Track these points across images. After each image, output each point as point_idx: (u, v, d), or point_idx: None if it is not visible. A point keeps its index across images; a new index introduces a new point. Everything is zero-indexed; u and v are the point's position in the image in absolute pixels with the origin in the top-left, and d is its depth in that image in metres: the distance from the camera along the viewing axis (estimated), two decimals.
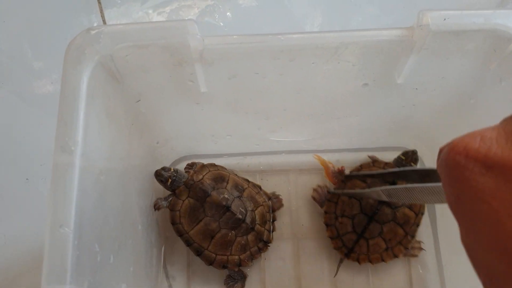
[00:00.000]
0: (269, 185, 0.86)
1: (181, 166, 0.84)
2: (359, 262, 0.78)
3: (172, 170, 0.77)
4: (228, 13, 1.02)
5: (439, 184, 0.57)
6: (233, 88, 0.66)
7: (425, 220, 0.84)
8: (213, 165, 0.82)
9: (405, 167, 0.78)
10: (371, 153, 0.85)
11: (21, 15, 1.02)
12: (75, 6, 1.02)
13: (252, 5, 1.03)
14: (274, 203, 0.83)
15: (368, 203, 0.77)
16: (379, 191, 0.68)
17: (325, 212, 0.81)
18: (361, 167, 0.83)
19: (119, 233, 0.63)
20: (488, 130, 0.32)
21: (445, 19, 0.54)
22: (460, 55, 0.60)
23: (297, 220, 0.85)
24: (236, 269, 0.79)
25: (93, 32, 0.54)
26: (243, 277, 0.80)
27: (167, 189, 0.79)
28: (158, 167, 0.84)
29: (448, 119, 0.73)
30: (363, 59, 0.60)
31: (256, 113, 0.74)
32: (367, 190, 0.73)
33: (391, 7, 1.00)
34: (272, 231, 0.81)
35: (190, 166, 0.82)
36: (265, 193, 0.83)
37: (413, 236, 0.79)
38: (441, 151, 0.35)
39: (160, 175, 0.77)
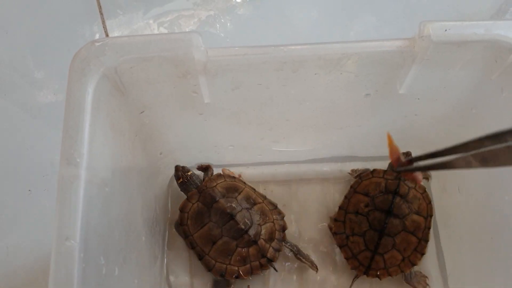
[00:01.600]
0: (271, 195, 0.86)
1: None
2: (379, 278, 0.77)
3: (189, 173, 0.80)
4: (228, 24, 1.03)
5: None
6: (236, 99, 0.66)
7: None
8: (232, 177, 0.83)
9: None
10: (361, 167, 0.85)
11: (23, 26, 1.03)
12: (77, 17, 1.03)
13: (252, 15, 1.03)
14: (286, 222, 0.81)
15: (375, 218, 0.76)
16: (469, 158, 0.46)
17: (335, 233, 0.80)
18: (361, 178, 0.83)
19: (124, 245, 0.63)
20: None
21: (446, 30, 0.55)
22: (461, 66, 0.60)
23: (299, 231, 0.85)
24: (233, 280, 0.78)
25: (97, 44, 0.55)
26: (229, 285, 0.80)
27: (178, 186, 0.81)
28: (161, 178, 0.84)
29: (450, 128, 0.73)
30: (365, 70, 0.61)
31: (259, 124, 0.74)
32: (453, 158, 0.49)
33: (391, 17, 1.01)
34: (279, 251, 0.79)
35: (204, 168, 0.84)
36: (280, 213, 0.82)
37: (426, 241, 0.78)
38: None
39: (177, 171, 0.80)
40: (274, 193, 0.88)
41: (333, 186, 0.87)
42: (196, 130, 0.75)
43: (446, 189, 0.78)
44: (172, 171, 0.83)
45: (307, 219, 0.86)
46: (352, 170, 0.86)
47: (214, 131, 0.76)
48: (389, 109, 0.71)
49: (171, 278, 0.82)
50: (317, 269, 0.80)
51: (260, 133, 0.77)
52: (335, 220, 0.81)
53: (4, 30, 1.02)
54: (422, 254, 0.78)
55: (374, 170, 0.82)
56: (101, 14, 1.04)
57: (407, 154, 0.78)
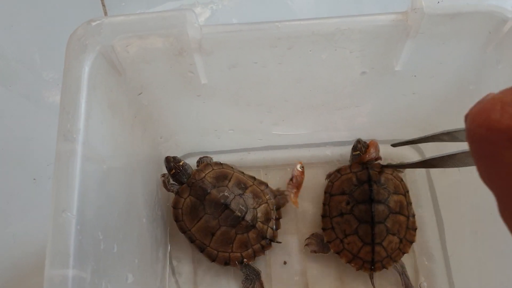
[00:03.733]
0: (273, 180, 0.87)
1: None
2: (386, 268, 0.77)
3: (181, 163, 0.79)
4: (233, 19, 1.04)
5: None
6: (233, 79, 0.67)
7: (429, 210, 0.84)
8: (218, 163, 0.83)
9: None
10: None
11: (28, 19, 1.04)
12: (82, 11, 1.04)
13: (257, 11, 1.04)
14: (279, 200, 0.83)
15: (360, 210, 0.76)
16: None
17: (329, 242, 0.79)
18: (331, 181, 0.82)
19: (124, 224, 0.63)
20: (508, 93, 0.28)
21: (438, 2, 0.55)
22: (456, 39, 0.60)
23: (301, 215, 0.85)
24: (239, 266, 0.79)
25: (94, 23, 0.56)
26: (258, 274, 0.80)
27: (170, 177, 0.80)
28: (163, 163, 0.84)
29: (449, 107, 0.73)
30: (360, 46, 0.61)
31: (258, 105, 0.74)
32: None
33: None
34: (277, 229, 0.80)
35: (203, 158, 0.84)
36: (272, 191, 0.83)
37: (413, 215, 0.79)
38: (465, 118, 0.32)
39: (168, 162, 0.79)
40: (275, 178, 0.88)
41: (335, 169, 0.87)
42: (195, 113, 0.75)
43: (445, 170, 0.78)
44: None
45: (308, 203, 0.86)
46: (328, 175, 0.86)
47: (213, 114, 0.76)
48: (387, 88, 0.70)
49: (174, 262, 0.83)
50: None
51: (259, 116, 0.78)
52: (323, 229, 0.80)
53: (9, 23, 1.04)
54: (415, 229, 0.78)
55: (340, 168, 0.83)
56: (105, 14, 1.05)
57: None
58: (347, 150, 0.86)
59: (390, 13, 0.57)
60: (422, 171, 0.87)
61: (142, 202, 0.72)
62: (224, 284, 0.82)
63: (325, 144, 0.87)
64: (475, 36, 0.59)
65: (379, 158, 0.81)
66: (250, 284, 0.80)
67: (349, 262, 0.77)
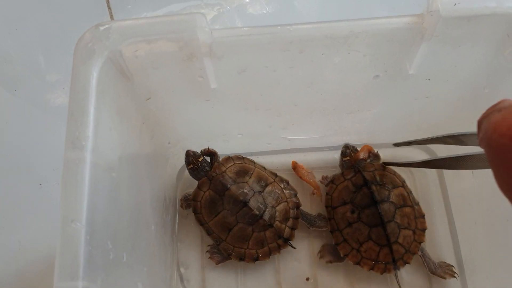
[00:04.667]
0: None
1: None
2: (408, 263, 0.75)
3: (201, 159, 0.79)
4: (238, 22, 1.02)
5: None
6: (243, 83, 0.65)
7: (441, 215, 0.82)
8: (240, 157, 0.82)
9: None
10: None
11: (33, 23, 1.03)
12: (87, 14, 1.03)
13: (263, 13, 1.03)
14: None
15: (368, 215, 0.75)
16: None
17: (346, 255, 0.77)
18: (328, 193, 0.81)
19: (133, 232, 0.62)
20: None
21: (455, 4, 0.53)
22: (472, 42, 0.59)
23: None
24: (253, 263, 0.78)
25: (102, 27, 0.55)
26: (227, 256, 0.79)
27: (188, 172, 0.81)
28: (170, 168, 0.84)
29: (463, 111, 0.71)
30: (373, 49, 0.59)
31: (267, 110, 0.73)
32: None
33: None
34: (295, 229, 0.79)
35: (210, 154, 0.82)
36: (292, 188, 0.82)
37: (417, 204, 0.78)
38: (479, 124, 0.32)
39: (188, 156, 0.79)
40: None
41: None
42: (204, 118, 0.74)
43: (459, 173, 0.76)
44: (181, 162, 0.82)
45: (318, 209, 0.84)
46: (323, 177, 0.85)
47: (222, 119, 0.75)
48: (399, 92, 0.69)
49: (182, 269, 0.82)
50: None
51: (268, 120, 0.76)
52: (336, 244, 0.78)
53: (13, 27, 1.03)
54: (423, 216, 0.78)
55: (333, 178, 0.81)
56: (111, 17, 1.04)
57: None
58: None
59: (405, 15, 0.56)
60: (434, 177, 0.85)
61: (150, 209, 0.71)
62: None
63: (334, 148, 0.86)
64: (491, 39, 0.58)
65: (368, 158, 0.81)
66: (215, 251, 0.80)
67: (371, 269, 0.76)
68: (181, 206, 0.83)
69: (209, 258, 0.80)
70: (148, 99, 0.66)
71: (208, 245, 0.81)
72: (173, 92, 0.67)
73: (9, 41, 1.02)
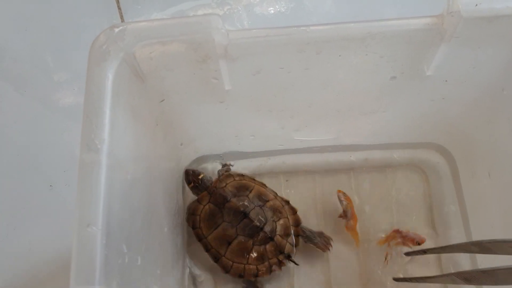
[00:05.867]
0: (294, 187, 0.85)
1: (203, 166, 0.84)
2: (297, 245, 0.77)
3: (201, 176, 0.78)
4: (246, 22, 1.02)
5: None
6: (257, 85, 0.65)
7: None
8: (240, 175, 0.82)
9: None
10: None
11: (42, 23, 1.03)
12: (97, 13, 1.03)
13: (272, 12, 1.02)
14: (319, 243, 0.79)
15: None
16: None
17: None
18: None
19: (146, 234, 0.62)
20: None
21: (477, 5, 0.52)
22: (492, 43, 0.58)
23: (324, 223, 0.83)
24: (253, 279, 0.77)
25: (116, 29, 0.54)
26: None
27: (190, 189, 0.80)
28: (182, 170, 0.83)
29: (481, 113, 0.71)
30: (391, 50, 0.59)
31: (281, 111, 0.72)
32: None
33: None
34: (296, 246, 0.77)
35: (225, 165, 0.83)
36: (292, 208, 0.81)
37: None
38: None
39: (187, 175, 0.79)
40: (297, 185, 0.86)
41: (360, 175, 0.85)
42: (217, 119, 0.74)
43: (475, 173, 0.75)
44: (192, 161, 0.82)
45: (331, 211, 0.83)
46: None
47: (234, 120, 0.74)
48: (416, 93, 0.68)
49: (194, 271, 0.81)
50: (328, 248, 0.78)
51: (281, 121, 0.76)
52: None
53: (23, 27, 1.02)
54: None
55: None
56: (119, 8, 1.03)
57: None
58: (371, 155, 0.84)
59: (424, 16, 0.55)
60: (449, 178, 0.84)
61: (163, 211, 0.70)
62: None
63: (348, 149, 0.85)
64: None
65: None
66: None
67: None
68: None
69: None
70: (162, 101, 0.66)
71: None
72: (186, 93, 0.66)
73: (18, 40, 1.02)
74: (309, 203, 0.83)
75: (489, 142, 0.72)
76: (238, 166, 0.85)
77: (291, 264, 0.78)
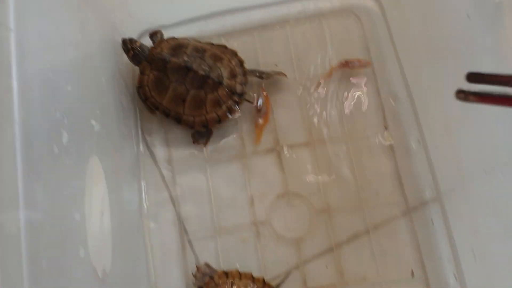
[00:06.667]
0: (235, 47, 0.85)
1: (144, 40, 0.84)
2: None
3: (138, 44, 0.80)
4: None
5: None
6: None
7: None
8: (173, 38, 0.83)
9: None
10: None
11: None
12: None
13: None
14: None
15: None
16: None
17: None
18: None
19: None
20: None
21: None
22: None
23: (279, 125, 0.84)
24: (217, 126, 0.80)
25: None
26: (209, 133, 0.82)
27: (130, 60, 0.81)
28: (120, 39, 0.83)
29: None
30: None
31: None
32: None
33: None
34: (245, 84, 0.80)
35: (154, 33, 0.83)
36: (232, 51, 0.82)
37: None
38: None
39: (125, 44, 0.79)
40: (238, 45, 0.87)
41: (296, 28, 0.87)
42: None
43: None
44: (129, 31, 0.82)
45: (283, 109, 0.85)
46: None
47: None
48: None
49: (147, 135, 0.84)
50: (284, 74, 0.82)
51: None
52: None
53: None
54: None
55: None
56: None
57: None
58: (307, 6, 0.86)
59: None
60: (381, 21, 0.86)
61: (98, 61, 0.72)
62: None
63: (283, 2, 0.86)
64: None
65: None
66: (199, 137, 0.82)
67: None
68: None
69: (194, 143, 0.82)
70: None
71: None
72: None
73: None
74: (250, 60, 0.84)
75: None
76: (176, 35, 0.85)
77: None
